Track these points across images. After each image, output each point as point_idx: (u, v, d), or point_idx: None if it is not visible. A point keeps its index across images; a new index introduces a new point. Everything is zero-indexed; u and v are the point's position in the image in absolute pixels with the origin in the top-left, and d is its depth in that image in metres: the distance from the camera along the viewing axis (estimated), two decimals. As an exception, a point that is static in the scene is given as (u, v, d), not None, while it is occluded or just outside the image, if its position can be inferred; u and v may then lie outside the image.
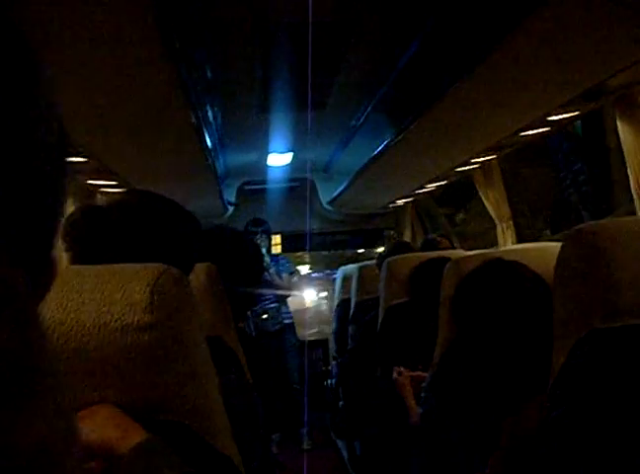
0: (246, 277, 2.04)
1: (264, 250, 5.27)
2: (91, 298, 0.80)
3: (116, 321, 0.78)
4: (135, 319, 0.79)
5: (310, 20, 2.71)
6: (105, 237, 1.20)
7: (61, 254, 1.22)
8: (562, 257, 1.28)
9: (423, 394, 2.35)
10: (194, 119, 2.85)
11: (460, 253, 2.82)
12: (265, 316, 5.39)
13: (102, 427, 0.76)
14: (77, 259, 1.20)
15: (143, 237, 1.23)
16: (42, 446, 0.28)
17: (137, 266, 0.84)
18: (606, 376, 1.17)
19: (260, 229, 5.35)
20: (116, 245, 1.20)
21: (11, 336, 0.28)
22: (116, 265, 0.85)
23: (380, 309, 3.14)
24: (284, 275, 5.60)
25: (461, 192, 6.65)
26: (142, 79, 2.30)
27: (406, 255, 3.25)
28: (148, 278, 0.82)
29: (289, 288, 5.77)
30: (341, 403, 5.01)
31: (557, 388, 1.25)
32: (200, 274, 1.61)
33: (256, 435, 1.37)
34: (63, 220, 1.25)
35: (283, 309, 5.60)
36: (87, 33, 1.88)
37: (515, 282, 1.66)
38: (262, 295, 5.39)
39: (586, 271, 1.20)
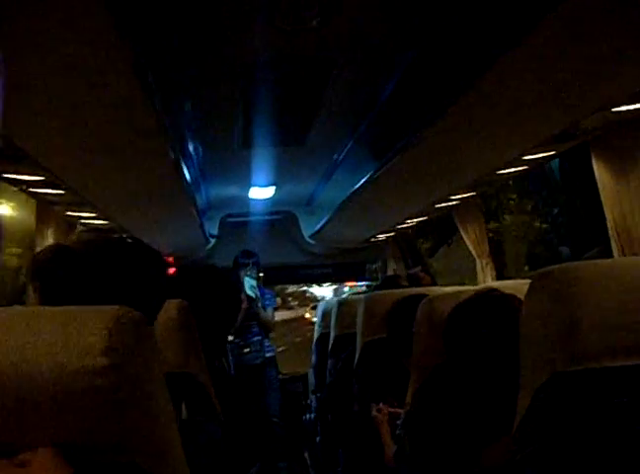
0: (222, 314, 2.05)
1: (254, 282, 5.26)
2: (48, 341, 0.79)
3: (71, 364, 0.78)
4: (91, 363, 0.79)
5: (290, 56, 2.74)
6: (71, 277, 1.20)
7: (29, 293, 1.23)
8: (528, 298, 1.29)
9: (397, 432, 2.34)
10: (172, 154, 2.85)
11: (437, 290, 2.83)
12: (247, 350, 5.36)
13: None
14: (45, 299, 1.21)
15: (108, 278, 1.24)
16: None
17: (96, 308, 0.84)
18: (570, 420, 1.17)
19: (250, 261, 5.34)
20: (81, 285, 1.20)
21: None
22: (75, 307, 0.85)
23: (358, 344, 3.14)
24: (269, 309, 5.58)
25: (445, 225, 6.70)
26: (119, 113, 2.31)
27: (383, 291, 3.26)
28: (105, 321, 0.82)
29: (273, 323, 5.76)
30: (318, 438, 4.97)
31: (522, 431, 1.25)
32: (171, 309, 1.61)
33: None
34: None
35: (266, 342, 5.57)
36: (65, 69, 1.89)
37: (506, 313, 1.67)
38: (246, 328, 5.37)
39: (550, 313, 1.20)
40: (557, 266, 1.27)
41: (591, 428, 1.15)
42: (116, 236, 1.33)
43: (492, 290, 1.81)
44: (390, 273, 6.54)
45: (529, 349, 1.26)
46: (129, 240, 1.41)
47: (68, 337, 0.80)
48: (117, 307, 0.84)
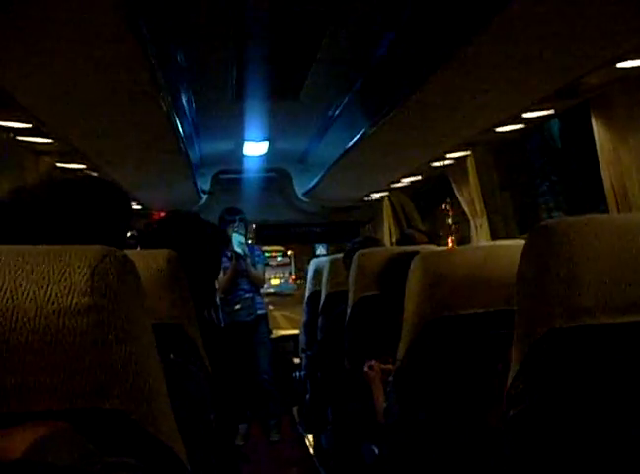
0: (206, 263, 2.02)
1: (242, 239, 5.24)
2: (28, 279, 0.76)
3: (53, 303, 0.75)
4: (74, 302, 0.76)
5: (287, 7, 2.68)
6: (30, 216, 1.17)
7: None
8: (524, 254, 1.26)
9: (388, 388, 2.33)
10: (164, 105, 2.80)
11: (430, 248, 2.81)
12: (238, 306, 5.37)
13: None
14: (2, 240, 1.18)
15: (68, 216, 1.21)
16: None
17: (79, 247, 0.81)
18: (565, 377, 1.15)
19: (237, 217, 5.32)
20: (40, 224, 1.17)
21: None
22: (56, 246, 0.82)
23: (349, 302, 3.13)
24: (259, 265, 5.58)
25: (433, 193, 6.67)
26: (110, 61, 2.26)
27: (376, 248, 3.23)
28: (90, 260, 0.78)
29: (263, 279, 5.76)
30: (308, 396, 5.00)
31: (515, 387, 1.24)
32: (160, 260, 1.58)
33: (208, 426, 1.34)
34: None
35: (257, 299, 5.57)
36: (59, 20, 1.85)
37: None
38: (237, 285, 5.37)
39: (546, 268, 1.18)
40: (555, 220, 1.24)
41: (586, 384, 1.14)
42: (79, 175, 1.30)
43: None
44: (383, 233, 6.51)
45: (525, 304, 1.24)
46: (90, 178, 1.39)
47: (50, 275, 0.77)
48: (100, 246, 0.81)
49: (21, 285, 0.76)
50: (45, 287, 0.76)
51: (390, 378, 2.30)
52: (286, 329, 7.35)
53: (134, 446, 0.82)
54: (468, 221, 4.86)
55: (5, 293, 0.75)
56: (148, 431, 0.83)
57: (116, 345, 0.78)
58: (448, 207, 6.47)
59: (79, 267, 0.78)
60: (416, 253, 2.29)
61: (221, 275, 4.87)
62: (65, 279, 0.77)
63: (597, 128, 2.89)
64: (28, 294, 0.76)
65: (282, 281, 20.24)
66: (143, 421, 0.82)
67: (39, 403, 0.76)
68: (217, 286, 4.31)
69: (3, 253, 0.79)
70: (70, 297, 0.76)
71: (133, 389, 0.80)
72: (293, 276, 21.16)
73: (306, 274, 5.64)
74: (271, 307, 9.10)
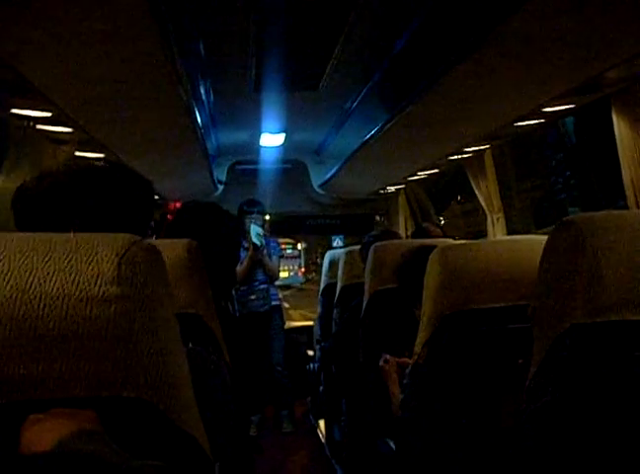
0: (225, 254, 2.02)
1: (260, 230, 5.25)
2: (57, 267, 0.76)
3: (80, 292, 0.75)
4: (101, 291, 0.76)
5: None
6: (54, 203, 1.17)
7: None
8: (548, 248, 1.26)
9: (404, 381, 2.33)
10: (183, 94, 2.80)
11: (448, 242, 2.80)
12: (253, 297, 5.37)
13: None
14: (23, 225, 1.18)
15: (91, 202, 1.21)
16: None
17: (107, 235, 0.81)
18: (586, 372, 1.15)
19: (255, 209, 5.33)
20: (65, 210, 1.17)
21: None
22: (85, 234, 0.82)
23: (365, 294, 3.12)
24: (274, 257, 5.58)
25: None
26: (131, 50, 2.26)
27: (394, 241, 3.23)
28: (117, 249, 0.79)
29: (278, 271, 5.76)
30: (321, 387, 5.00)
31: (537, 382, 1.23)
32: (180, 250, 1.59)
33: (227, 412, 1.34)
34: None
35: (272, 291, 5.58)
36: (77, 6, 1.84)
37: None
38: (252, 276, 5.38)
39: (570, 263, 1.17)
40: (579, 215, 1.23)
41: (608, 380, 1.13)
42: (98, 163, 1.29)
43: None
44: (398, 226, 6.50)
45: (548, 299, 1.23)
46: (113, 165, 1.38)
47: (77, 264, 0.77)
48: (129, 235, 0.81)
49: (48, 273, 0.76)
50: (73, 275, 0.76)
51: (407, 371, 2.29)
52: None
53: (158, 436, 0.82)
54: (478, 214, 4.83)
55: (33, 280, 0.75)
56: (172, 420, 0.83)
57: (142, 334, 0.79)
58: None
59: (106, 255, 0.78)
60: (434, 247, 2.28)
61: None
62: (92, 268, 0.77)
63: (617, 124, 2.87)
64: (55, 282, 0.76)
65: (292, 274, 20.31)
66: (167, 410, 0.82)
67: (64, 391, 0.76)
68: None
69: (31, 240, 0.79)
70: (97, 286, 0.76)
71: (158, 379, 0.81)
72: (302, 269, 21.19)
73: (318, 266, 5.65)
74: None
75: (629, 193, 2.82)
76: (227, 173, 6.51)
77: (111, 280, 0.77)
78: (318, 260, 19.88)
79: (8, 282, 0.75)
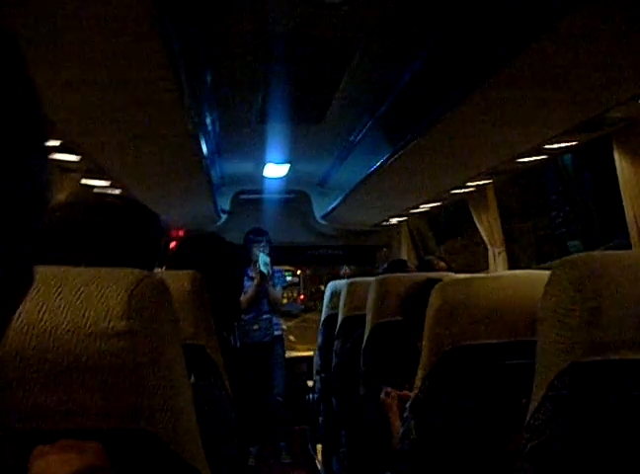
0: (228, 284, 2.03)
1: (268, 259, 5.26)
2: (68, 301, 0.78)
3: (90, 326, 0.77)
4: (110, 325, 0.77)
5: (312, 34, 2.71)
6: (65, 238, 1.19)
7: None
8: (549, 285, 1.27)
9: (405, 414, 2.33)
10: (190, 125, 2.84)
11: (452, 276, 2.81)
12: (256, 327, 5.36)
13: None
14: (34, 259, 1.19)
15: (102, 238, 1.22)
16: None
17: (117, 270, 0.83)
18: (586, 411, 1.15)
19: (264, 238, 5.35)
20: (76, 245, 1.18)
21: None
22: (95, 268, 0.84)
23: (367, 326, 3.13)
24: (278, 287, 5.59)
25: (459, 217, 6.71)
26: (139, 79, 2.29)
27: (397, 274, 3.24)
28: (127, 284, 0.80)
29: (281, 300, 5.76)
30: (321, 419, 4.98)
31: (536, 419, 1.24)
32: (184, 281, 1.60)
33: (230, 447, 1.35)
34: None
35: (275, 320, 5.57)
36: (86, 33, 1.87)
37: None
38: (257, 305, 5.38)
39: (572, 301, 1.18)
40: (581, 254, 1.25)
41: (607, 419, 1.14)
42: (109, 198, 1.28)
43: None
44: (404, 257, 6.50)
45: (548, 337, 1.24)
46: (123, 200, 1.38)
47: (88, 298, 0.78)
48: (137, 270, 0.83)
49: (59, 306, 0.78)
50: (83, 310, 0.78)
51: (408, 404, 2.29)
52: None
53: (161, 467, 0.83)
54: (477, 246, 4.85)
55: (44, 314, 0.77)
56: (176, 452, 0.84)
57: (148, 367, 0.80)
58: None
59: (116, 290, 0.79)
60: (437, 280, 2.30)
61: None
62: (102, 303, 0.79)
63: (619, 161, 2.89)
64: (66, 316, 0.77)
65: (291, 301, 20.32)
66: (171, 442, 0.83)
67: (71, 422, 0.77)
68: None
69: (42, 274, 0.81)
70: (107, 320, 0.77)
71: (164, 411, 0.82)
72: (302, 296, 21.14)
73: (317, 293, 5.66)
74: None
75: (632, 229, 2.82)
76: (231, 202, 6.53)
77: (120, 316, 0.78)
78: (322, 287, 19.85)
79: (19, 315, 0.77)
